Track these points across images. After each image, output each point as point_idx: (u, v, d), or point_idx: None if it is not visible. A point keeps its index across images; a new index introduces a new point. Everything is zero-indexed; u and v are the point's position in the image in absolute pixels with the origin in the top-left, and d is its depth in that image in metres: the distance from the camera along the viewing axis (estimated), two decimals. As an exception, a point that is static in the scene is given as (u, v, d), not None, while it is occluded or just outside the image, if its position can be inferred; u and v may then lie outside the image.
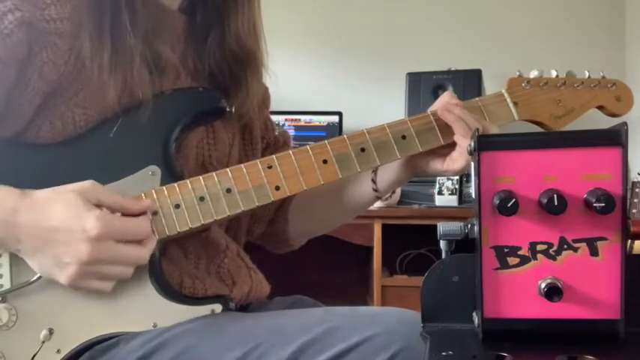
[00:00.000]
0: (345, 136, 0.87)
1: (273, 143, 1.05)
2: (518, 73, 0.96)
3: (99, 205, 0.73)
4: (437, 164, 0.93)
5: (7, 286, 0.76)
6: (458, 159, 0.89)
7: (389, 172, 0.97)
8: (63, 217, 0.71)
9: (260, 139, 1.01)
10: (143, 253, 0.75)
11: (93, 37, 0.78)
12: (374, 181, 0.97)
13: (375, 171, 0.97)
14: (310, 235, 1.10)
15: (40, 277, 0.74)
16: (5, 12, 0.74)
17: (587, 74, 0.98)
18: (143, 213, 0.76)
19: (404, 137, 0.88)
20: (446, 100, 0.91)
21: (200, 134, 0.87)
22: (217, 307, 0.80)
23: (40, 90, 0.77)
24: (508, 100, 0.94)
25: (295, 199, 1.04)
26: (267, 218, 1.04)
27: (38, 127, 0.78)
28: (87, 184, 0.74)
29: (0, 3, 0.74)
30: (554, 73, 0.97)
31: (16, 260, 0.75)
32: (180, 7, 0.91)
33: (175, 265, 0.82)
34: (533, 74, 0.97)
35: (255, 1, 0.95)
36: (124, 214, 0.74)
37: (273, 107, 1.08)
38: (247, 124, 0.98)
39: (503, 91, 0.95)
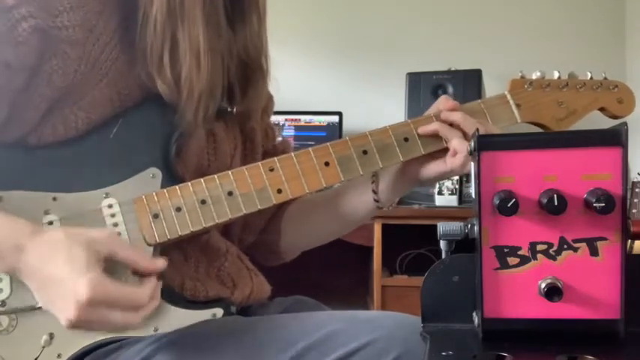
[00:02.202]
0: (347, 138, 0.86)
1: (272, 153, 0.98)
2: (520, 74, 0.95)
3: (109, 259, 0.70)
4: (439, 166, 0.89)
5: (7, 292, 0.74)
6: (457, 156, 0.85)
7: (390, 182, 0.94)
8: (62, 271, 0.67)
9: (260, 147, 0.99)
10: (133, 320, 0.70)
11: (119, 32, 0.78)
12: (375, 192, 0.95)
13: (375, 181, 0.95)
14: (303, 247, 1.06)
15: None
16: (19, 19, 0.73)
17: (589, 75, 0.97)
18: (152, 274, 0.73)
19: (406, 139, 0.87)
20: (441, 106, 0.89)
21: (201, 143, 0.86)
22: (218, 312, 0.80)
23: (47, 96, 0.76)
24: (511, 102, 0.93)
25: (290, 210, 1.01)
26: (259, 227, 1.00)
27: (40, 131, 0.78)
28: (104, 234, 0.72)
29: (14, 10, 0.73)
30: (556, 75, 0.96)
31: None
32: None
33: (176, 268, 0.82)
34: (536, 75, 0.96)
35: (264, 12, 0.93)
36: (134, 272, 0.72)
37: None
38: (249, 133, 0.96)
39: (506, 92, 0.94)
